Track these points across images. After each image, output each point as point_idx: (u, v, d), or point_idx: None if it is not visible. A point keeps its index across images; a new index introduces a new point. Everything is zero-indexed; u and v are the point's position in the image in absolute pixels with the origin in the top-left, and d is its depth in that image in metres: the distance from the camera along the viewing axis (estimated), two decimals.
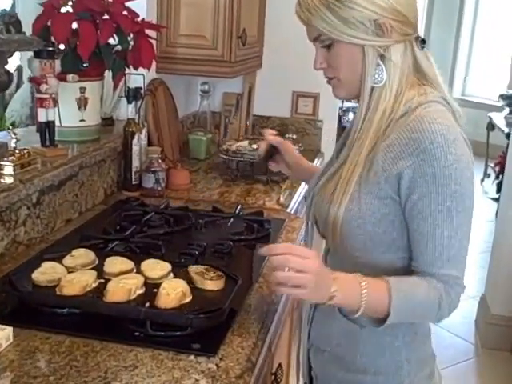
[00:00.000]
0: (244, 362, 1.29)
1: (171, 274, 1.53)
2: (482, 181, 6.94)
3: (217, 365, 1.27)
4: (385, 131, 1.24)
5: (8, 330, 1.29)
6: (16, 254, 1.72)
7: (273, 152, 1.73)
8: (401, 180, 1.21)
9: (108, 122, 2.48)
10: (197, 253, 1.75)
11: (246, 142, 2.76)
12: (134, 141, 2.30)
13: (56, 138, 2.01)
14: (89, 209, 2.17)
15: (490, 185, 6.68)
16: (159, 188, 2.34)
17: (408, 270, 1.27)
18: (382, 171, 1.23)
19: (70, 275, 1.46)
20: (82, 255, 1.58)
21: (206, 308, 1.37)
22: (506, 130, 5.81)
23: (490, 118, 6.68)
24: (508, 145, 4.01)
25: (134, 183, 2.33)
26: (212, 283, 1.48)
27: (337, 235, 1.29)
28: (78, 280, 1.43)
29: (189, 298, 1.41)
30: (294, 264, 1.16)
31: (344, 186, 1.27)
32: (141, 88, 2.32)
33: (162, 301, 1.37)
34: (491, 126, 6.70)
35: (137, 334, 1.35)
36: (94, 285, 1.45)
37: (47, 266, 1.51)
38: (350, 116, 5.85)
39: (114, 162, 2.33)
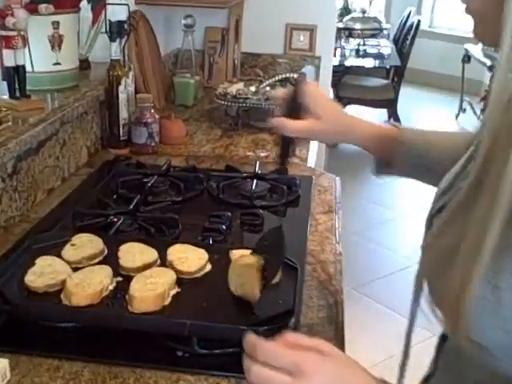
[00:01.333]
0: None
1: (209, 266, 1.16)
2: (457, 116, 6.70)
3: None
4: None
5: (3, 364, 0.92)
6: None
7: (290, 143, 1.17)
8: None
9: (83, 65, 2.04)
10: (224, 227, 1.39)
11: (241, 85, 2.36)
12: (121, 87, 1.89)
13: (27, 87, 1.59)
14: (72, 173, 1.77)
15: (467, 120, 6.45)
16: (153, 143, 1.95)
17: None
18: None
19: (77, 275, 1.08)
20: (85, 243, 1.20)
21: (266, 312, 1.03)
22: (488, 62, 5.52)
23: (466, 50, 6.38)
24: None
25: (122, 139, 1.93)
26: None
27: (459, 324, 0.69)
28: (89, 282, 1.06)
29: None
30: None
31: (475, 246, 0.65)
32: (125, 22, 1.89)
33: None
34: (467, 59, 6.41)
35: (180, 353, 1.00)
36: (110, 287, 1.08)
37: (43, 263, 1.12)
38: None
39: (96, 114, 1.92)
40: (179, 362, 0.99)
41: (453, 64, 6.75)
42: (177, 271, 1.11)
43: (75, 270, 1.11)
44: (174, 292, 1.07)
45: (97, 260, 1.16)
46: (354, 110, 5.23)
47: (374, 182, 4.87)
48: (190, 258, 1.15)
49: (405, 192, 4.78)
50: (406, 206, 4.49)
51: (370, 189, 4.58)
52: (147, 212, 1.47)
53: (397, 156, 1.04)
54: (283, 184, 1.65)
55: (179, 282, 1.10)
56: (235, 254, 1.18)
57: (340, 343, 1.07)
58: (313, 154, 2.06)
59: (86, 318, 1.01)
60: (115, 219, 1.41)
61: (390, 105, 5.83)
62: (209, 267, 1.16)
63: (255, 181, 1.64)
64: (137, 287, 1.04)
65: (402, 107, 6.02)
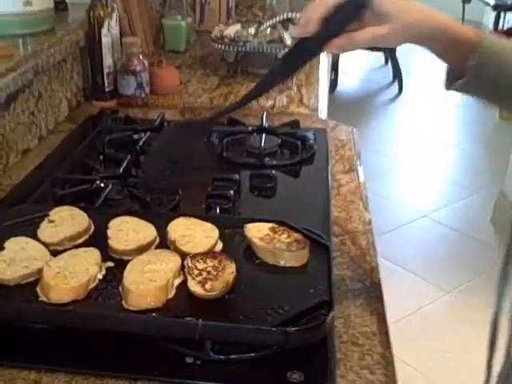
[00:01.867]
0: None
1: (220, 244, 0.95)
2: None
3: None
4: None
5: None
6: None
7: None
8: None
9: (60, 6, 1.78)
10: (231, 193, 1.17)
11: (238, 26, 2.11)
12: (104, 30, 1.63)
13: None
14: (51, 131, 1.53)
15: None
16: (143, 94, 1.71)
17: None
18: None
19: (57, 262, 0.87)
20: (66, 219, 0.98)
21: (296, 306, 0.82)
22: (492, 1, 5.23)
23: None
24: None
25: (107, 90, 1.69)
26: (293, 256, 0.91)
27: None
28: (72, 271, 0.84)
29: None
30: None
31: None
32: None
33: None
34: None
35: (189, 360, 0.79)
36: (99, 276, 0.86)
37: (14, 246, 0.91)
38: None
39: (76, 61, 1.68)
40: (189, 371, 0.78)
41: (452, 4, 6.43)
42: (181, 253, 0.90)
43: (54, 254, 0.90)
44: (179, 281, 0.85)
45: (81, 240, 0.95)
46: (347, 55, 4.96)
47: (374, 129, 4.65)
48: (197, 235, 0.94)
49: (406, 139, 4.57)
50: (407, 155, 4.29)
51: (370, 137, 4.35)
52: (140, 176, 1.24)
53: (474, 69, 0.80)
54: (296, 139, 1.43)
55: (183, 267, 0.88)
56: (251, 228, 0.96)
57: (385, 342, 0.87)
58: (323, 103, 1.83)
59: (70, 319, 0.79)
60: (102, 185, 1.19)
61: (388, 48, 5.54)
62: (220, 246, 0.94)
63: (264, 135, 1.41)
64: (133, 277, 0.83)
65: (400, 52, 5.73)
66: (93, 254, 0.89)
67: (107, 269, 0.88)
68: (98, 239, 0.95)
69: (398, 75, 5.50)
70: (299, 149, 1.38)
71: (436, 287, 2.81)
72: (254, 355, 0.79)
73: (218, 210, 1.11)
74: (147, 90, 1.72)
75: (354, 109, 5.06)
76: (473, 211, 3.51)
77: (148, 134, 1.41)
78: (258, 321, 0.80)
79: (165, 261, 0.87)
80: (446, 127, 4.88)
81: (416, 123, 4.89)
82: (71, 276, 0.83)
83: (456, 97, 5.39)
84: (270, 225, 0.98)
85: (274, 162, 1.37)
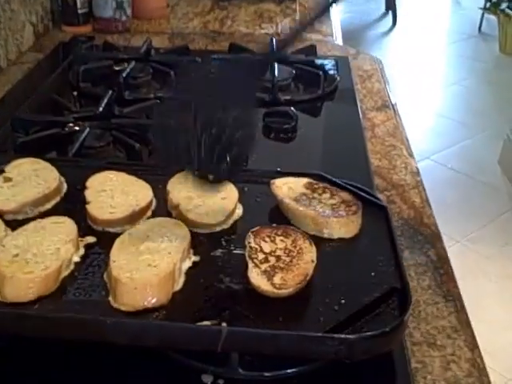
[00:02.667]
0: None
1: (239, 209, 0.70)
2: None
3: None
4: None
5: None
6: None
7: None
8: None
9: None
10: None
11: None
12: None
13: None
14: (12, 61, 1.25)
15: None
16: (123, 17, 1.42)
17: None
18: None
19: (14, 239, 0.61)
20: (28, 176, 0.72)
21: (352, 299, 0.58)
22: None
23: None
24: None
25: (80, 12, 1.40)
26: (342, 223, 0.66)
27: None
28: (36, 253, 0.59)
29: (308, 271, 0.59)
30: None
31: None
32: None
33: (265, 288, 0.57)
34: None
35: (208, 380, 0.55)
36: (75, 258, 0.61)
37: None
38: None
39: None
40: None
41: None
42: (189, 223, 0.65)
43: (12, 226, 0.64)
44: (188, 265, 0.60)
45: (49, 206, 0.69)
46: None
47: (375, 46, 4.37)
48: (210, 197, 0.68)
49: (403, 76, 4.30)
50: (403, 93, 4.02)
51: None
52: (125, 116, 0.98)
53: None
54: (314, 68, 1.16)
55: (195, 242, 0.63)
56: (280, 186, 0.71)
57: (471, 341, 0.63)
58: (337, 27, 1.55)
59: (34, 327, 0.54)
60: (77, 128, 0.92)
61: None
62: (240, 212, 0.69)
63: (276, 65, 1.14)
64: (123, 261, 0.58)
65: None
66: (66, 227, 0.63)
67: (86, 247, 0.63)
68: (72, 204, 0.69)
69: (391, 7, 5.17)
70: (321, 80, 1.11)
71: (445, 236, 2.60)
72: (297, 371, 0.56)
73: (228, 159, 0.86)
74: (128, 12, 1.43)
75: (346, 43, 4.75)
76: (478, 152, 3.29)
77: (133, 63, 1.13)
78: (304, 323, 0.56)
79: (168, 235, 0.62)
80: (443, 63, 4.60)
81: (412, 59, 4.61)
82: (35, 261, 0.58)
83: (452, 31, 5.11)
84: (304, 180, 0.73)
85: (290, 98, 1.10)
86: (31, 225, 0.64)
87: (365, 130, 1.02)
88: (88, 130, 0.90)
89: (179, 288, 0.58)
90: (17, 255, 0.59)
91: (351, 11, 5.58)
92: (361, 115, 1.06)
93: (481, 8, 4.61)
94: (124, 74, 1.08)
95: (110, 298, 0.56)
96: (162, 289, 0.56)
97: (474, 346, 0.63)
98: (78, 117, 0.95)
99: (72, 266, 0.60)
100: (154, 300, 0.55)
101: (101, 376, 0.56)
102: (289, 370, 0.56)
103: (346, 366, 0.56)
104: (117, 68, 1.15)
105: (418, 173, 0.93)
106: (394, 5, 5.10)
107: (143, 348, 0.55)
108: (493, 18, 4.58)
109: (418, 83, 4.19)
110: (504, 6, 4.25)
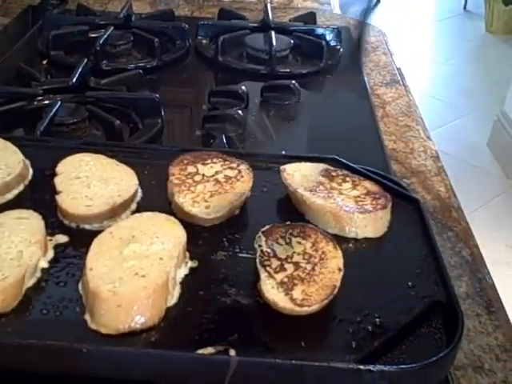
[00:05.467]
0: None
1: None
2: None
3: None
4: None
5: None
6: None
7: None
8: None
9: None
10: (240, 113, 0.79)
11: None
12: None
13: None
14: None
15: None
16: None
17: None
18: None
19: None
20: None
21: (390, 315, 0.47)
22: None
23: None
24: None
25: None
26: (369, 220, 0.55)
27: None
28: None
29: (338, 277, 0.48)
30: None
31: None
32: None
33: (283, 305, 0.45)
34: None
35: None
36: (43, 263, 0.49)
37: None
38: None
39: None
40: None
41: None
42: (185, 215, 0.53)
43: None
44: (184, 273, 0.49)
45: (10, 196, 0.56)
46: None
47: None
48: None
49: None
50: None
51: None
52: (102, 89, 0.85)
53: None
54: (317, 38, 1.04)
55: (190, 243, 0.51)
56: (292, 173, 0.59)
57: None
58: None
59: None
60: (46, 102, 0.79)
61: None
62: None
63: (273, 33, 1.01)
64: (104, 271, 0.46)
65: None
66: (30, 224, 0.51)
67: (56, 248, 0.50)
68: (39, 194, 0.57)
69: None
70: (324, 51, 0.99)
71: None
72: None
73: (224, 140, 0.74)
74: None
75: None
76: (467, 134, 3.20)
77: (111, 29, 1.00)
78: (332, 349, 0.44)
79: (159, 235, 0.49)
80: (429, 42, 4.50)
81: (397, 37, 4.49)
82: None
83: (437, 9, 5.01)
84: (320, 166, 0.61)
85: (289, 70, 0.98)
86: None
87: (375, 109, 0.90)
88: (59, 103, 0.77)
89: (174, 303, 0.46)
90: None
91: None
92: (369, 91, 0.94)
93: None
94: (101, 41, 0.95)
95: (87, 317, 0.44)
96: (152, 305, 0.44)
97: None
98: (47, 88, 0.82)
99: (38, 274, 0.48)
100: (142, 319, 0.43)
101: None
102: None
103: None
104: (93, 35, 1.02)
105: (438, 157, 0.81)
106: None
107: (130, 381, 0.43)
108: None
109: (403, 63, 4.07)
110: None
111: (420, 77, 3.88)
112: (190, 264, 0.50)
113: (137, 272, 0.46)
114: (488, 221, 2.53)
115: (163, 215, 0.53)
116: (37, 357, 0.42)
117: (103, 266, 0.46)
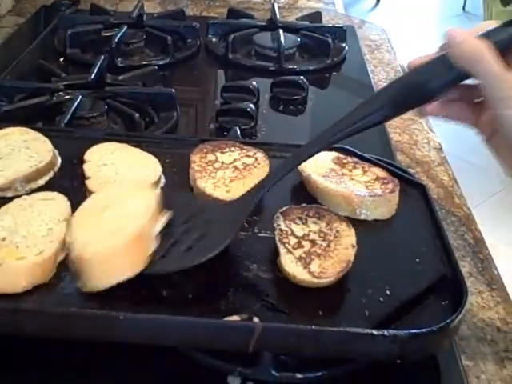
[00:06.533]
0: None
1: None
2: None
3: None
4: None
5: None
6: None
7: None
8: None
9: None
10: (251, 107, 0.83)
11: None
12: None
13: None
14: None
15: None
16: None
17: None
18: None
19: (3, 220, 0.52)
20: (17, 147, 0.63)
21: (400, 288, 0.51)
22: None
23: None
24: None
25: None
26: (379, 203, 0.58)
27: None
28: (26, 235, 0.50)
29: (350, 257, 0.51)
30: None
31: None
32: None
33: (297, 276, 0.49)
34: None
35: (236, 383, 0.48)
36: None
37: None
38: None
39: None
40: None
41: None
42: (207, 198, 0.57)
43: (0, 206, 0.55)
44: (161, 226, 0.52)
45: (42, 182, 0.60)
46: None
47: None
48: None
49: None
50: None
51: None
52: (119, 84, 0.89)
53: None
54: (324, 36, 1.08)
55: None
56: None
57: None
58: None
59: (31, 325, 0.46)
60: (67, 96, 0.83)
61: None
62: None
63: (281, 32, 1.05)
64: (84, 236, 0.49)
65: None
66: (57, 204, 0.55)
67: None
68: (68, 180, 0.61)
69: None
70: (330, 48, 1.03)
71: None
72: (333, 372, 0.48)
73: (238, 132, 0.77)
74: None
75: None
76: (466, 132, 3.23)
77: (124, 28, 1.03)
78: (348, 317, 0.48)
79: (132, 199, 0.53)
80: (428, 42, 4.54)
81: (396, 37, 4.53)
82: (26, 245, 0.49)
83: (436, 10, 5.05)
84: (332, 154, 0.65)
85: (297, 67, 1.02)
86: (15, 202, 0.55)
87: None
88: (80, 98, 0.81)
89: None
90: (4, 239, 0.50)
91: None
92: (374, 87, 0.98)
93: None
94: (116, 39, 0.98)
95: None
96: (130, 258, 0.47)
97: None
98: (67, 84, 0.86)
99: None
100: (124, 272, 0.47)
101: (115, 376, 0.49)
102: (324, 371, 0.49)
103: (386, 366, 0.49)
104: (107, 33, 1.06)
105: (441, 149, 0.85)
106: None
107: (162, 347, 0.47)
108: None
109: (402, 63, 4.11)
110: None
111: None
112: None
113: (113, 232, 0.48)
114: (488, 218, 2.57)
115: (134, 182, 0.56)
116: (76, 325, 0.46)
117: (83, 233, 0.49)
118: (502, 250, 2.49)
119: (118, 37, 0.98)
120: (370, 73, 1.03)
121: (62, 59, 1.00)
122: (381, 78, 1.03)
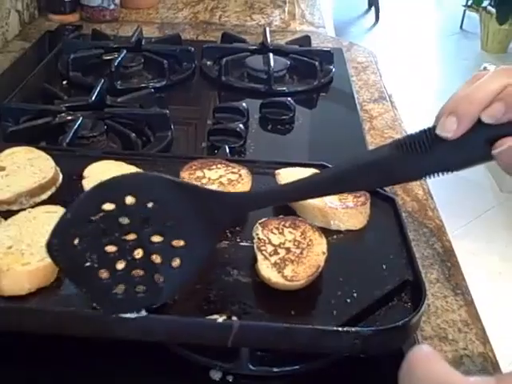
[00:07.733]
0: None
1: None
2: None
3: None
4: None
5: None
6: None
7: None
8: None
9: None
10: (241, 126, 0.90)
11: None
12: None
13: None
14: None
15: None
16: (112, 6, 1.39)
17: None
18: None
19: (7, 229, 0.59)
20: (23, 165, 0.69)
21: (366, 291, 0.56)
22: None
23: None
24: None
25: (67, 0, 1.36)
26: (351, 215, 0.64)
27: None
28: (30, 244, 0.56)
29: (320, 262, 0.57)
30: None
31: None
32: None
33: (271, 278, 0.55)
34: None
35: (216, 376, 0.53)
36: None
37: None
38: None
39: None
40: None
41: None
42: None
43: (6, 218, 0.61)
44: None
45: (44, 197, 0.66)
46: None
47: (357, 42, 4.35)
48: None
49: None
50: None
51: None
52: (118, 106, 0.95)
53: None
54: (310, 59, 1.14)
55: None
56: (285, 177, 0.69)
57: (482, 335, 0.62)
58: (329, 18, 1.53)
59: (34, 322, 0.52)
60: (69, 118, 0.89)
61: None
62: None
63: (271, 55, 1.12)
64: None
65: None
66: (59, 216, 0.60)
67: None
68: (69, 195, 0.66)
69: (374, 3, 5.16)
70: (317, 71, 1.10)
71: None
72: (305, 366, 0.54)
73: (227, 150, 0.83)
74: (117, 1, 1.39)
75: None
76: None
77: (124, 52, 1.10)
78: (317, 317, 0.54)
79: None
80: (426, 60, 4.61)
81: (394, 56, 4.61)
82: (30, 252, 0.55)
83: (434, 28, 5.13)
84: (309, 170, 0.70)
85: (285, 88, 1.08)
86: (21, 215, 0.61)
87: (363, 122, 1.00)
88: (81, 120, 0.87)
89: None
90: (10, 247, 0.56)
91: (333, 6, 5.55)
92: (358, 107, 1.04)
93: (464, 5, 4.61)
94: (116, 63, 1.05)
95: None
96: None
97: (485, 340, 0.61)
98: (69, 106, 0.92)
99: None
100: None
101: (102, 372, 0.54)
102: (298, 366, 0.54)
103: (355, 361, 0.54)
104: (107, 57, 1.12)
105: None
106: (377, 1, 5.11)
107: (147, 343, 0.53)
108: (474, 15, 4.60)
109: (400, 83, 4.19)
110: (486, 3, 4.27)
111: (415, 94, 3.98)
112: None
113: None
114: (482, 233, 2.62)
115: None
116: (76, 323, 0.52)
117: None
118: (496, 262, 2.54)
119: (117, 61, 1.05)
120: (355, 93, 1.09)
121: (64, 82, 1.07)
122: (365, 98, 1.09)
